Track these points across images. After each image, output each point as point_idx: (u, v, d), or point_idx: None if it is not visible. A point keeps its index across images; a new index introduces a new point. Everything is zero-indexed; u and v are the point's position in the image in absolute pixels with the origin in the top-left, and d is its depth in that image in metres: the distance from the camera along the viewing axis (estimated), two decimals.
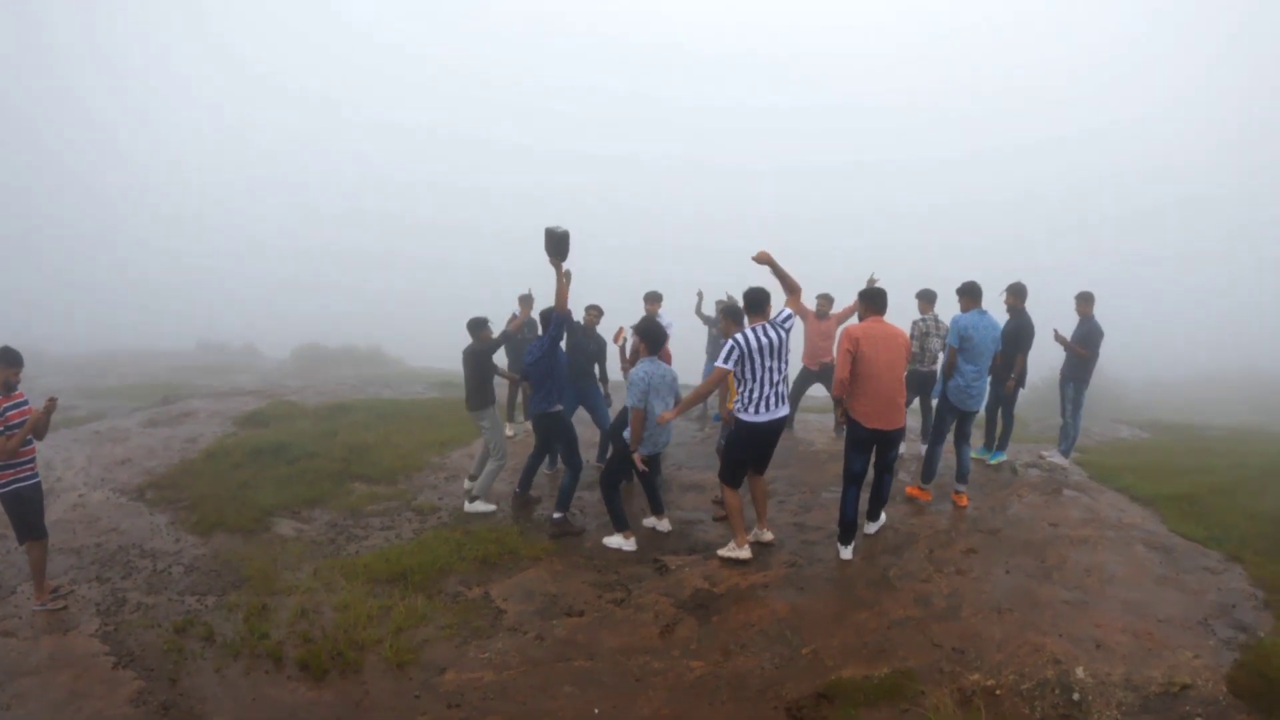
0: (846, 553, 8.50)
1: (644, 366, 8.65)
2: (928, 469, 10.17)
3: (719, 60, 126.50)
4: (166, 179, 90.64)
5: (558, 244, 9.11)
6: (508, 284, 10.98)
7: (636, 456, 8.68)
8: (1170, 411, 22.27)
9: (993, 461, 11.62)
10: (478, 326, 10.60)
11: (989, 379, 10.25)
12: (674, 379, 8.96)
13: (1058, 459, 11.77)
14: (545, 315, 9.81)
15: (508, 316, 12.11)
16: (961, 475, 10.05)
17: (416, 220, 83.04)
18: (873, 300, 8.63)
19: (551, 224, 9.16)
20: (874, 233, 75.26)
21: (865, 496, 8.90)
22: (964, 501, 9.97)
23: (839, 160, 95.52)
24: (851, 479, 8.44)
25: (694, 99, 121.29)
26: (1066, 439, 11.84)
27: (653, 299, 12.24)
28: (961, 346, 9.74)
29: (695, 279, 15.00)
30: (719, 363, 7.99)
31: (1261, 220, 62.94)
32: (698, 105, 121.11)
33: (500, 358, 11.69)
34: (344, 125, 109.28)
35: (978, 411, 10.17)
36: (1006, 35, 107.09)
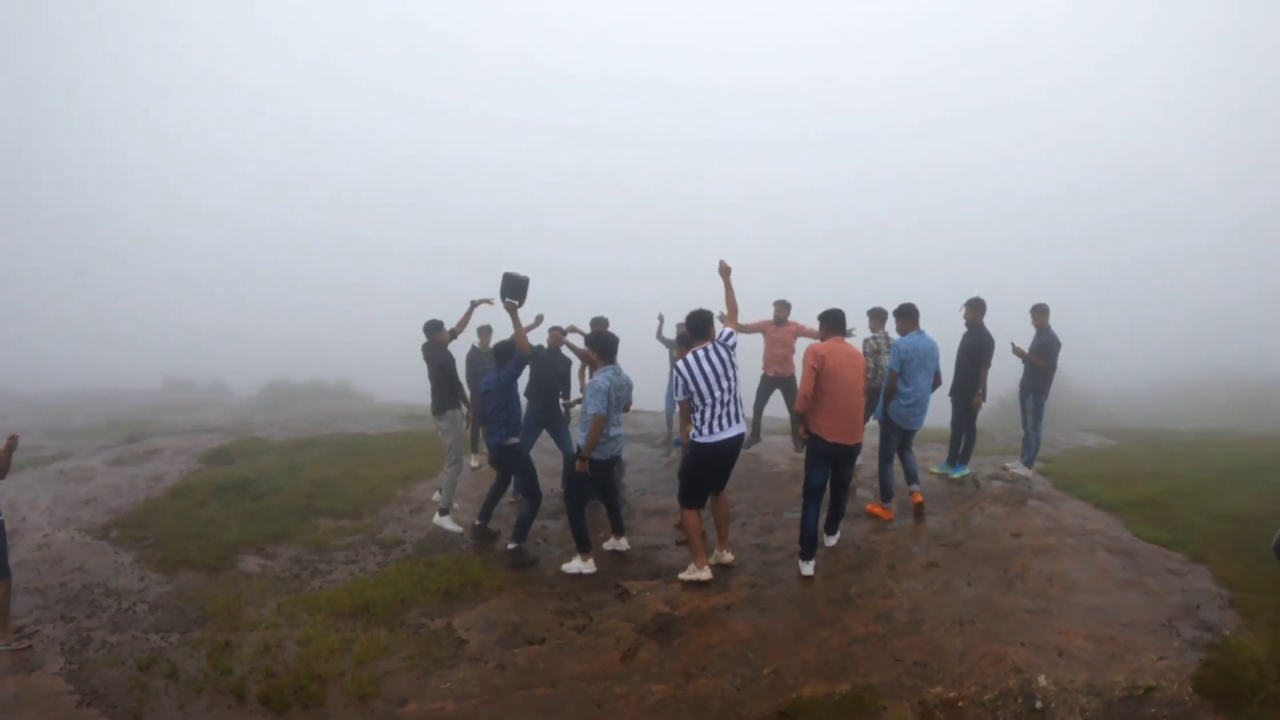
0: (808, 569, 8.57)
1: (605, 375, 8.74)
2: (884, 488, 10.29)
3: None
4: (132, 209, 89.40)
5: (515, 288, 9.22)
6: (482, 312, 10.95)
7: (580, 463, 8.74)
8: (1139, 418, 22.38)
9: (955, 475, 11.69)
10: (433, 329, 10.77)
11: (930, 396, 10.38)
12: (629, 388, 9.14)
13: (1021, 470, 11.85)
14: (502, 350, 9.81)
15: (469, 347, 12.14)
16: (911, 476, 10.33)
17: (389, 248, 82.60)
18: (833, 321, 8.86)
19: (512, 269, 9.26)
20: (868, 250, 75.49)
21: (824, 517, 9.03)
22: (919, 498, 10.21)
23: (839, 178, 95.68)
24: (812, 494, 8.56)
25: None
26: (1029, 450, 11.93)
27: (600, 323, 12.28)
28: (901, 370, 9.95)
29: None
30: (675, 396, 8.20)
31: (1239, 226, 63.50)
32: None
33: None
34: (317, 150, 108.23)
35: (918, 429, 10.36)
36: (998, 52, 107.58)
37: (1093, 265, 63.06)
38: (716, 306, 8.76)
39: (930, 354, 10.04)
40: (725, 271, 8.46)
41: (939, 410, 11.84)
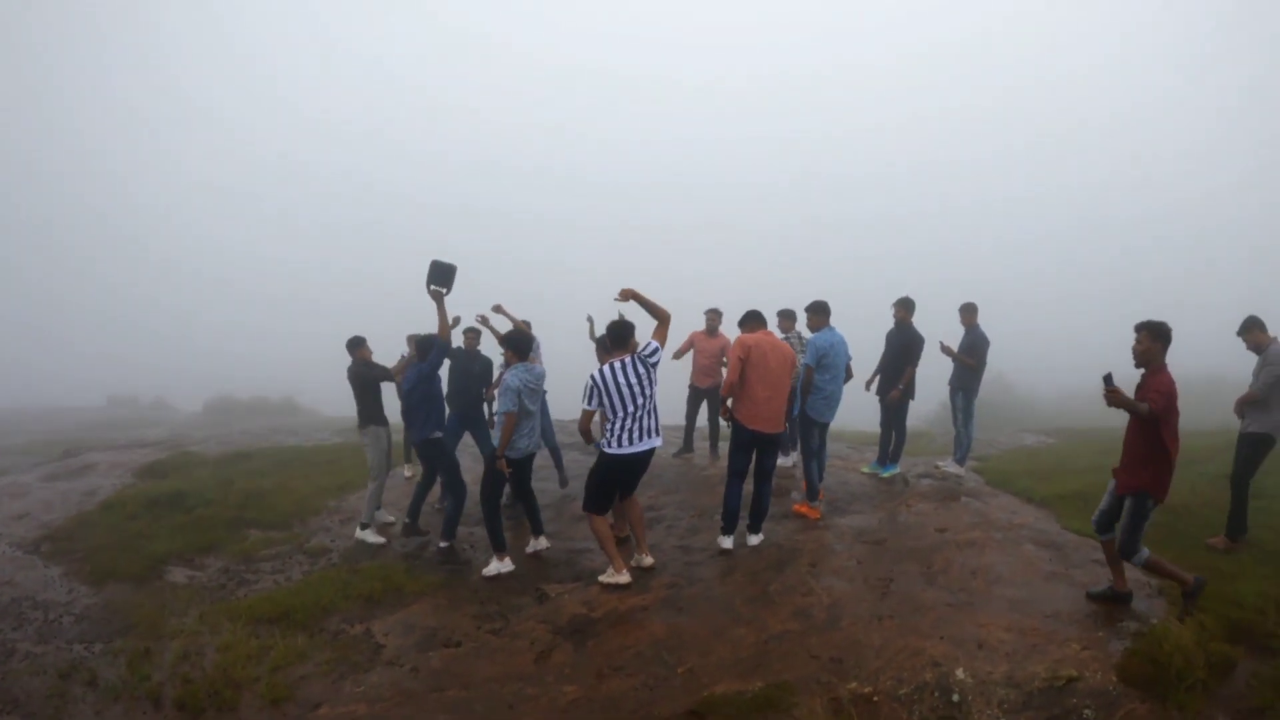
0: (728, 542, 9.00)
1: (516, 373, 8.76)
2: (810, 487, 10.43)
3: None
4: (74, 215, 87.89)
5: (443, 275, 9.31)
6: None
7: (501, 462, 8.77)
8: (1082, 419, 22.56)
9: (885, 475, 11.83)
10: (355, 345, 10.76)
11: (843, 390, 10.61)
12: (542, 377, 9.28)
13: (953, 468, 12.00)
14: (424, 343, 9.88)
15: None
16: (811, 490, 10.45)
17: (338, 267, 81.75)
18: (755, 318, 9.21)
19: (440, 257, 9.31)
20: (858, 243, 75.73)
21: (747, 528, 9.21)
22: (803, 508, 10.41)
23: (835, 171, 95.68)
24: (735, 474, 9.02)
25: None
26: (960, 447, 12.10)
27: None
28: (819, 364, 10.13)
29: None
30: (583, 403, 8.22)
31: (1216, 228, 64.29)
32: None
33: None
34: (266, 169, 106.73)
35: (830, 422, 10.52)
36: (997, 47, 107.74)
37: (1052, 267, 63.56)
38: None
39: (843, 349, 10.30)
40: (629, 296, 8.36)
41: (870, 410, 11.99)
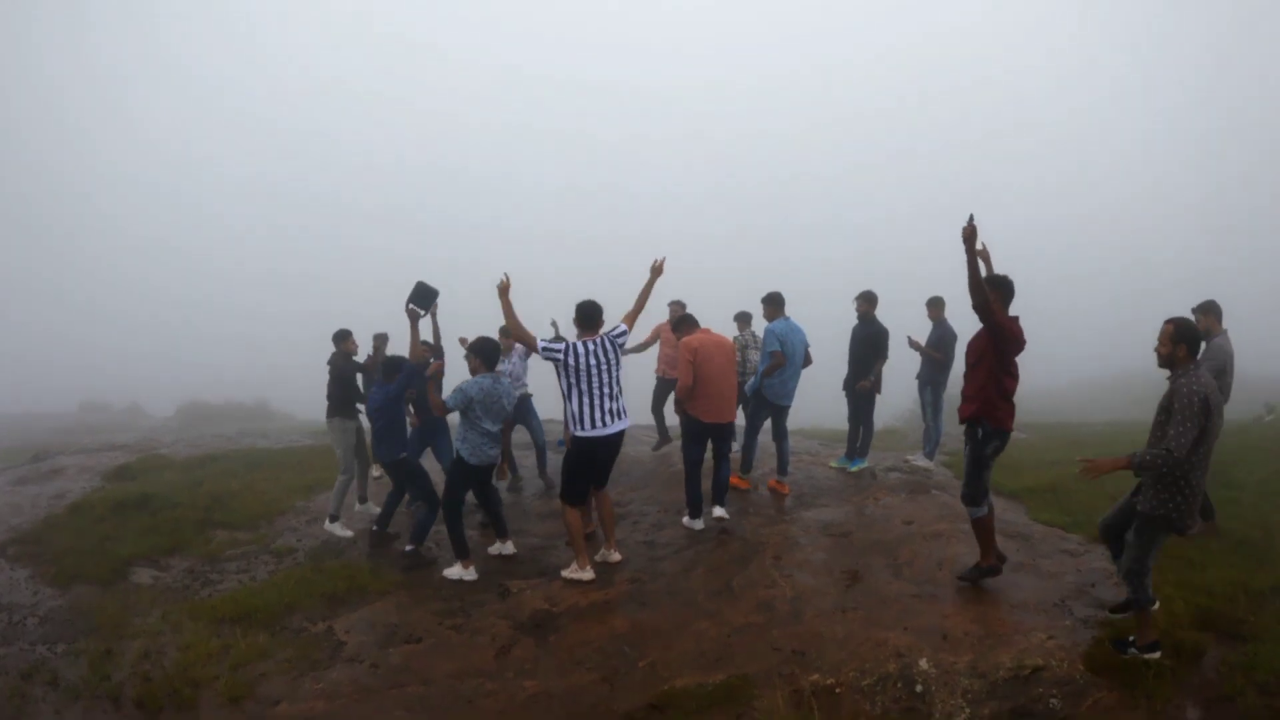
0: (698, 524, 9.45)
1: (476, 382, 8.73)
2: (746, 460, 11.10)
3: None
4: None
5: (424, 297, 9.41)
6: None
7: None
8: (1053, 415, 22.63)
9: (854, 469, 11.84)
10: (341, 337, 10.93)
11: (800, 375, 11.01)
12: (509, 399, 9.14)
13: (922, 462, 12.02)
14: (389, 366, 9.88)
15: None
16: (782, 468, 10.99)
17: (314, 275, 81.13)
18: (691, 321, 10.01)
19: (426, 280, 9.45)
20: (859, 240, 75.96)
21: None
22: (785, 489, 10.86)
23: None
24: (693, 465, 9.63)
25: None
26: (930, 441, 12.14)
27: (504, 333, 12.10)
28: (780, 349, 10.49)
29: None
30: (540, 343, 8.29)
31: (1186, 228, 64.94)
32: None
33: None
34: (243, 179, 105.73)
35: (789, 407, 10.91)
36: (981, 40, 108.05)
37: (1022, 263, 63.70)
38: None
39: (800, 336, 10.91)
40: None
41: (842, 408, 11.99)
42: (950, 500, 10.08)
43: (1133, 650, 6.10)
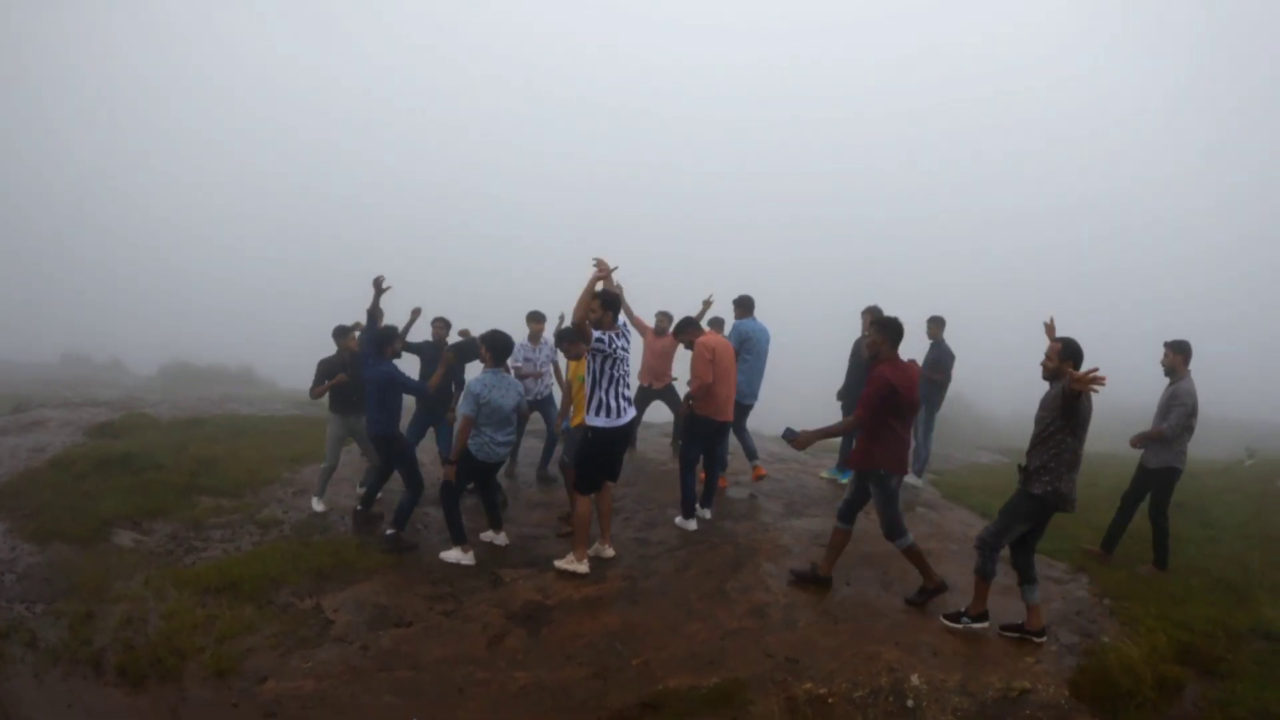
0: (691, 524, 9.57)
1: (482, 379, 8.69)
2: (748, 450, 11.54)
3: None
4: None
5: (469, 353, 10.30)
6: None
7: (449, 469, 8.77)
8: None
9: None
10: (340, 334, 10.78)
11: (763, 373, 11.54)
12: (518, 393, 9.06)
13: (910, 479, 12.00)
14: (383, 337, 9.78)
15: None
16: (751, 453, 11.49)
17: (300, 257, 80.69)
18: (694, 324, 10.37)
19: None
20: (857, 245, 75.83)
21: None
22: (762, 471, 11.36)
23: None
24: (690, 464, 9.77)
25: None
26: (918, 460, 12.17)
27: (536, 319, 12.06)
28: (743, 346, 11.01)
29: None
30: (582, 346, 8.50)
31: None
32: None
33: None
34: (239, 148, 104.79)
35: (753, 403, 11.37)
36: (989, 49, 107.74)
37: (1012, 286, 63.83)
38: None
39: (765, 336, 11.56)
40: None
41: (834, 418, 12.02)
42: (939, 520, 10.16)
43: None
